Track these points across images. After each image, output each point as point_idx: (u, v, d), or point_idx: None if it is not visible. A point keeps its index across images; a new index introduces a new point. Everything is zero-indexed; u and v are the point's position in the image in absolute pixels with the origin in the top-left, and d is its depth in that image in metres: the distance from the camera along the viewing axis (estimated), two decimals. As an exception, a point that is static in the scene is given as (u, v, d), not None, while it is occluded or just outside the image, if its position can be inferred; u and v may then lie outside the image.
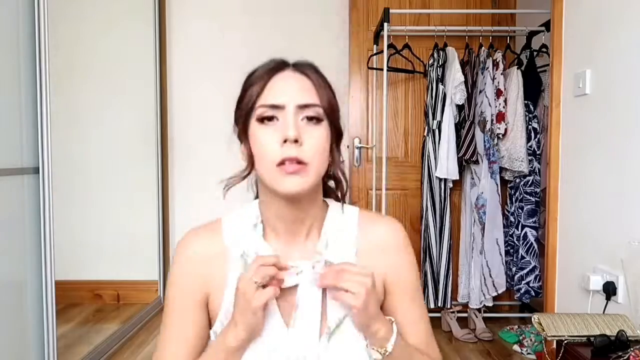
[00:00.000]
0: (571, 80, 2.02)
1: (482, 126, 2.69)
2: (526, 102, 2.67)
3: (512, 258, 2.78)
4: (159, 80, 3.14)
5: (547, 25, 2.58)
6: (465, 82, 2.67)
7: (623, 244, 1.62)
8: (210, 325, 0.83)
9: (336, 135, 0.79)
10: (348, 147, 3.11)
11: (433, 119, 2.72)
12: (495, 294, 2.75)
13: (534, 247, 2.68)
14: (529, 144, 2.67)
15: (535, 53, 2.71)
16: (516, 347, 2.51)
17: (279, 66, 0.77)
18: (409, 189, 3.07)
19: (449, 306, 2.74)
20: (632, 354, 1.26)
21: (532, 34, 2.76)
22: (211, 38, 3.24)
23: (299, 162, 0.71)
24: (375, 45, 2.97)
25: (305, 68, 0.78)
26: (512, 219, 2.76)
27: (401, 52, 2.79)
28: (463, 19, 3.08)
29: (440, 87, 2.70)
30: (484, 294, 2.75)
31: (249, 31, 3.20)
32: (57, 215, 1.89)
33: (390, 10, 2.67)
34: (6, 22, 1.73)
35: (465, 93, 2.67)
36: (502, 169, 2.73)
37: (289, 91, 0.74)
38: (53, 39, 1.87)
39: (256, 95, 0.75)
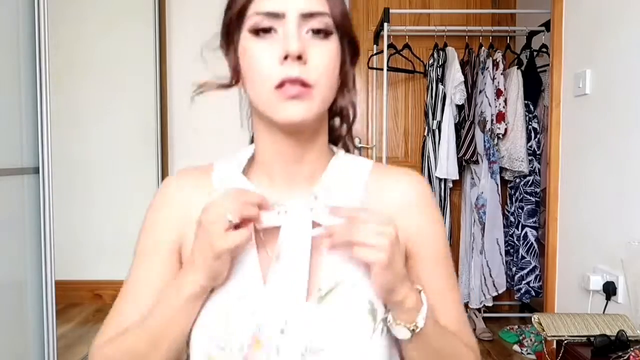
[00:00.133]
0: (571, 80, 2.02)
1: (482, 126, 2.69)
2: (526, 102, 2.67)
3: (512, 258, 2.78)
4: (159, 80, 3.14)
5: (547, 25, 2.58)
6: (465, 82, 2.67)
7: (623, 244, 1.62)
8: None
9: (351, 52, 0.64)
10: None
11: (433, 119, 2.72)
12: (495, 293, 2.75)
13: (534, 247, 2.68)
14: (529, 144, 2.67)
15: (535, 53, 2.71)
16: (516, 347, 2.51)
17: None
18: (409, 189, 3.07)
19: (449, 306, 2.74)
20: (632, 354, 1.26)
21: (532, 34, 2.76)
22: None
23: (303, 84, 0.57)
24: (375, 45, 2.97)
25: None
26: (512, 219, 2.76)
27: (401, 52, 2.79)
28: (463, 19, 3.08)
29: (440, 87, 2.70)
30: (484, 294, 2.75)
31: (249, 31, 3.20)
32: (57, 215, 1.89)
33: (390, 10, 2.67)
34: (6, 22, 1.73)
35: (465, 93, 2.67)
36: (502, 169, 2.73)
37: None
38: (53, 39, 1.87)
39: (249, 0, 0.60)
